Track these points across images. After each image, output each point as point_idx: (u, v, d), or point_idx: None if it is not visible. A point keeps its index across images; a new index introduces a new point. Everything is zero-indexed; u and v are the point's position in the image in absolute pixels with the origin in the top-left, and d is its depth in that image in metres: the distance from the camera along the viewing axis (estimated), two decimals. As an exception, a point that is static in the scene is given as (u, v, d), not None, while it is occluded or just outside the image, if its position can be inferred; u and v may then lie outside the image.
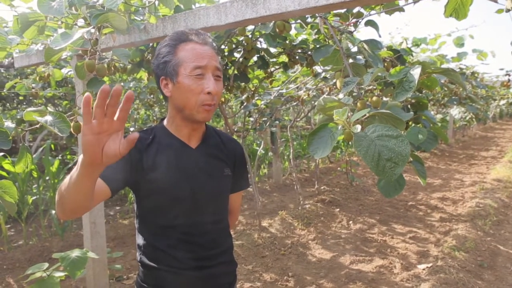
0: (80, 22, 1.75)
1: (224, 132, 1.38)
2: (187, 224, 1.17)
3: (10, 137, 1.03)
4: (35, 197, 4.38)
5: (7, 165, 4.10)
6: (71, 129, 1.24)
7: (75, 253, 1.82)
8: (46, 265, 1.93)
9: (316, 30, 2.29)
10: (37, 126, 1.28)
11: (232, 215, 1.42)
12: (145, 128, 1.21)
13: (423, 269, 3.24)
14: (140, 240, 1.22)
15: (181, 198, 1.16)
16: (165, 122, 1.23)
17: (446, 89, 4.29)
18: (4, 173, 4.11)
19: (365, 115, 1.02)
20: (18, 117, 4.93)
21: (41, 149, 4.77)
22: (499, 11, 1.84)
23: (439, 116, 10.12)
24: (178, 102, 1.13)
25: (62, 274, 1.90)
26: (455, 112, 5.21)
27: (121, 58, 1.33)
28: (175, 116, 1.18)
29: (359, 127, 0.95)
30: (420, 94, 1.94)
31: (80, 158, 0.85)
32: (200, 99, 1.09)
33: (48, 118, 1.14)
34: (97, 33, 1.36)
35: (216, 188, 1.23)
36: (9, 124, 1.07)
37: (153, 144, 1.17)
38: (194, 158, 1.19)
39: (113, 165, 1.06)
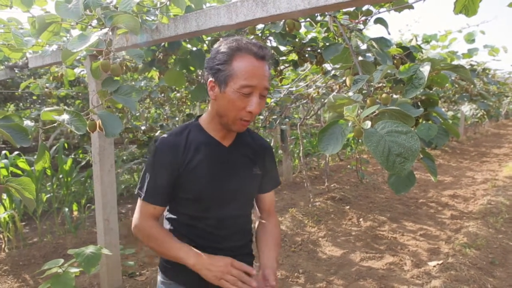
0: (93, 22, 1.79)
1: (254, 131, 1.43)
2: (213, 217, 1.23)
3: (30, 136, 1.07)
4: (49, 195, 4.46)
5: (22, 164, 4.18)
6: (87, 127, 1.28)
7: (90, 249, 1.86)
8: (62, 261, 1.97)
9: (325, 28, 2.29)
10: (55, 125, 1.32)
11: (272, 215, 1.44)
12: (174, 129, 1.26)
13: (434, 266, 3.23)
14: (167, 225, 1.30)
15: (210, 194, 1.22)
16: (202, 119, 1.27)
17: (457, 86, 4.27)
18: (19, 172, 4.19)
19: (374, 111, 1.03)
20: (33, 116, 5.02)
21: (54, 148, 4.86)
22: (511, 4, 1.84)
23: (450, 113, 10.02)
24: (219, 109, 1.16)
25: (77, 270, 1.94)
26: (466, 109, 5.16)
27: (135, 58, 1.36)
28: (215, 117, 1.21)
29: (369, 123, 0.97)
30: (430, 91, 1.94)
31: (192, 258, 1.14)
32: (240, 114, 1.13)
33: (65, 117, 1.17)
34: (111, 34, 1.39)
35: (243, 186, 1.28)
36: (28, 122, 1.11)
37: (188, 145, 1.21)
38: (226, 157, 1.24)
39: (162, 184, 1.21)
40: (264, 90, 1.13)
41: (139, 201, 1.24)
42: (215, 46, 1.17)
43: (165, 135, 1.24)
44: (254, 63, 1.10)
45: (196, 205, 1.23)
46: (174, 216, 1.28)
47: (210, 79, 1.15)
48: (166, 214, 1.31)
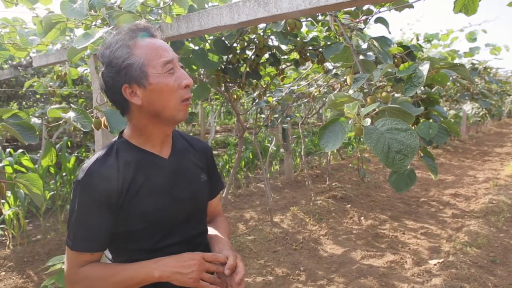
0: (98, 22, 1.81)
1: (186, 133, 1.28)
2: (176, 243, 1.08)
3: (37, 133, 1.09)
4: (52, 193, 4.50)
5: (25, 161, 4.22)
6: (92, 125, 1.30)
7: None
8: (66, 257, 2.01)
9: (326, 27, 2.31)
10: (60, 122, 1.35)
11: (222, 219, 1.32)
12: (96, 154, 1.06)
13: (435, 265, 3.25)
14: None
15: (166, 215, 1.06)
16: (128, 135, 1.08)
17: (458, 84, 4.28)
18: (23, 169, 4.23)
19: (374, 109, 1.05)
20: (36, 115, 5.05)
21: (57, 146, 4.91)
22: (511, 4, 1.85)
23: (452, 112, 10.02)
24: (154, 108, 1.00)
25: (81, 266, 1.97)
26: (468, 107, 5.18)
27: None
28: (147, 124, 1.04)
29: (369, 120, 0.99)
30: (430, 90, 1.95)
31: (155, 270, 0.97)
32: (179, 95, 1.00)
33: (72, 114, 1.20)
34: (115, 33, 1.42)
35: (197, 198, 1.14)
36: (35, 120, 1.14)
37: (122, 168, 1.02)
38: (170, 170, 1.08)
39: (99, 225, 1.00)
40: (178, 61, 1.03)
41: (68, 252, 1.00)
42: (103, 52, 1.00)
43: (88, 164, 1.01)
44: (152, 40, 1.00)
45: (153, 233, 1.04)
46: (123, 258, 1.06)
47: (124, 85, 0.98)
48: (106, 259, 1.12)
